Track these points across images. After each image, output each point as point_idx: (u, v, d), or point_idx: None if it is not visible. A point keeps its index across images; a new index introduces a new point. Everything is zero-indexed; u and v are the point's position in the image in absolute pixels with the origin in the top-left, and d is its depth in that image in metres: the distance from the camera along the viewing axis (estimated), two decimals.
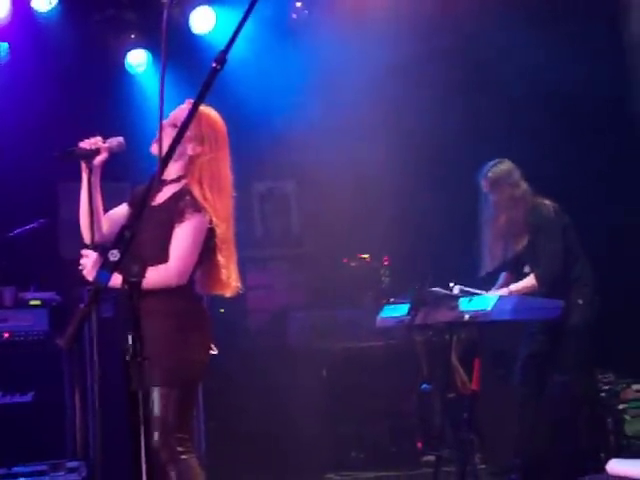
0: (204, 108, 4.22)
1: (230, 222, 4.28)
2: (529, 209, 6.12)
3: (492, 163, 6.26)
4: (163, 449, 4.03)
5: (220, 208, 4.20)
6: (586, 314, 5.97)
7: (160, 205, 4.15)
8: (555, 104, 7.58)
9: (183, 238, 4.10)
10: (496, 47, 7.64)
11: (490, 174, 6.21)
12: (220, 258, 4.21)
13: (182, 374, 4.10)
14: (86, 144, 4.26)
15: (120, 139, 4.33)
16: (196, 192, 4.15)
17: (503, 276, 6.38)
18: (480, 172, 6.26)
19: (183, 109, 4.33)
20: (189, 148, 4.22)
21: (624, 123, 7.42)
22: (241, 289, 4.37)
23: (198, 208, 4.11)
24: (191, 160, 4.22)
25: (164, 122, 4.34)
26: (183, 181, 4.20)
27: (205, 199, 4.15)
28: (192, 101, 4.25)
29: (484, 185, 6.23)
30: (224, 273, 4.24)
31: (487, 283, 6.26)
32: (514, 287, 6.01)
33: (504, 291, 5.99)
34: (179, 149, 4.15)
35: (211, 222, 4.14)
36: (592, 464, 6.13)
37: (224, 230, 4.21)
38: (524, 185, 6.18)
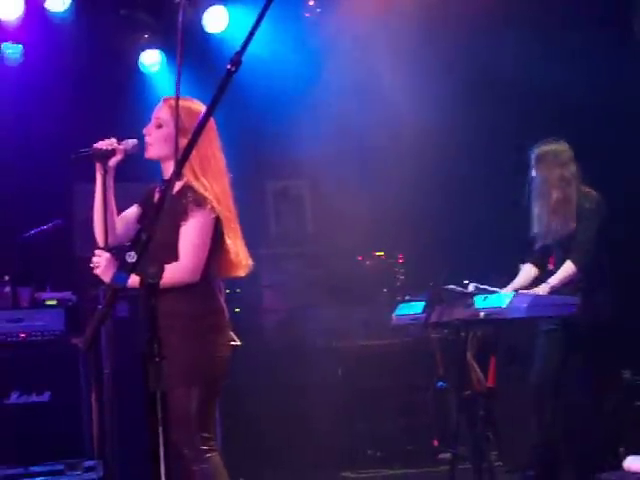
0: (183, 101, 4.21)
1: (229, 202, 4.26)
2: (579, 194, 6.08)
3: (544, 141, 6.22)
4: (188, 448, 4.04)
5: (219, 191, 4.20)
6: (608, 312, 5.93)
7: None
8: (567, 113, 7.58)
9: (191, 235, 4.10)
10: (510, 55, 7.67)
11: (538, 149, 6.18)
12: (228, 240, 4.21)
13: (203, 373, 4.10)
14: (101, 145, 4.27)
15: (135, 141, 4.33)
16: (195, 185, 4.14)
17: (526, 267, 6.31)
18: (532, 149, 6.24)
19: (160, 108, 4.34)
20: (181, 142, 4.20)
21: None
22: (252, 266, 4.36)
23: (201, 203, 4.10)
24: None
25: (148, 127, 4.36)
26: (184, 178, 4.18)
27: (205, 188, 4.15)
28: (168, 98, 4.34)
29: (532, 158, 6.20)
30: (233, 253, 4.24)
31: (501, 278, 6.23)
32: (553, 281, 5.94)
33: (544, 287, 5.91)
34: (171, 148, 4.17)
35: (214, 211, 4.14)
36: (610, 461, 6.12)
37: (226, 212, 4.20)
38: (573, 167, 6.12)
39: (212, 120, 4.25)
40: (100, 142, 4.28)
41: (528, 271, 6.29)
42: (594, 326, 5.85)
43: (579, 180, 6.11)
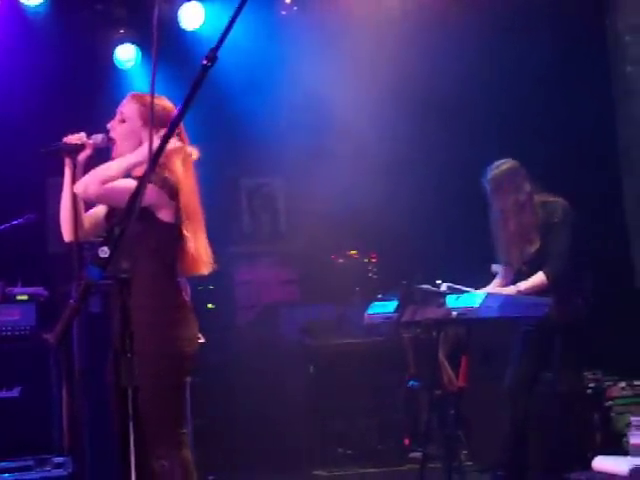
0: (147, 96, 4.20)
1: (195, 196, 4.22)
2: (538, 209, 6.01)
3: (494, 165, 6.07)
4: (157, 445, 4.01)
5: (185, 182, 4.16)
6: (582, 313, 5.93)
7: None
8: (536, 119, 7.66)
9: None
10: (489, 51, 7.72)
11: (491, 178, 6.05)
12: (186, 233, 4.15)
13: (170, 368, 4.07)
14: (70, 140, 4.24)
15: (104, 135, 4.31)
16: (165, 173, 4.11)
17: (503, 270, 6.30)
18: (483, 174, 6.10)
19: (124, 103, 4.33)
20: (145, 137, 4.20)
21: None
22: (214, 265, 4.31)
23: (160, 178, 4.05)
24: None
25: (112, 122, 4.35)
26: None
27: (170, 171, 4.13)
28: (134, 94, 4.33)
29: (487, 188, 6.15)
30: (192, 247, 4.17)
31: (474, 279, 6.24)
32: (523, 286, 5.93)
33: (512, 289, 5.91)
34: (134, 144, 4.18)
35: (173, 190, 4.09)
36: (578, 461, 6.16)
37: (189, 202, 4.16)
38: (528, 187, 6.00)
39: (174, 114, 4.23)
40: (69, 136, 4.26)
41: (504, 273, 6.29)
42: (570, 328, 5.85)
43: (536, 193, 6.02)
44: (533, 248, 6.00)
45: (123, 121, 4.29)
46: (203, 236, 4.27)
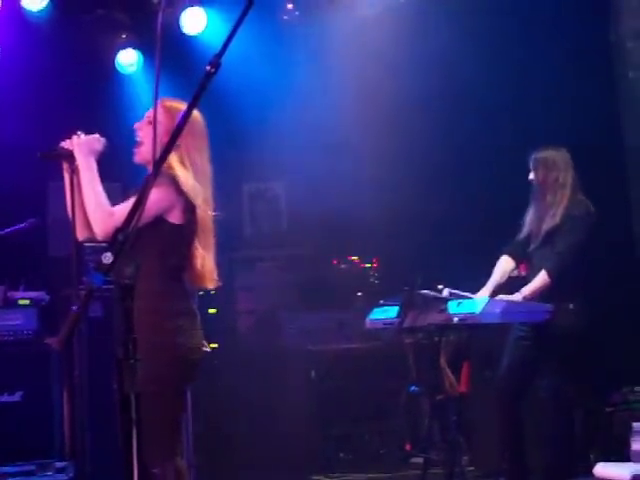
0: (177, 104, 4.20)
1: (209, 211, 4.22)
2: (571, 199, 6.03)
3: (546, 146, 6.17)
4: (151, 452, 3.98)
5: (201, 194, 4.16)
6: (578, 319, 5.90)
7: None
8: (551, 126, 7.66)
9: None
10: (491, 56, 7.72)
11: (540, 155, 6.11)
12: (197, 246, 4.15)
13: (169, 375, 4.05)
14: (68, 144, 4.23)
15: (98, 137, 4.27)
16: (178, 171, 4.09)
17: (502, 261, 6.26)
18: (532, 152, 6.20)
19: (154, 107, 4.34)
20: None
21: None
22: (219, 282, 4.31)
23: (168, 175, 4.02)
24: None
25: (139, 123, 4.35)
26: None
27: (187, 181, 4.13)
28: (164, 99, 4.33)
29: (532, 165, 6.13)
30: (199, 263, 4.17)
31: (475, 285, 6.23)
32: (526, 291, 5.90)
33: (517, 297, 5.89)
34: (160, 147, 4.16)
35: (188, 201, 4.08)
36: (581, 467, 6.15)
37: (204, 216, 4.16)
38: (572, 173, 6.06)
39: (203, 130, 4.25)
40: (66, 141, 4.24)
41: (504, 265, 6.23)
42: (565, 334, 5.83)
43: (575, 187, 6.07)
44: (552, 223, 5.98)
45: (151, 123, 4.28)
46: (212, 253, 4.26)
